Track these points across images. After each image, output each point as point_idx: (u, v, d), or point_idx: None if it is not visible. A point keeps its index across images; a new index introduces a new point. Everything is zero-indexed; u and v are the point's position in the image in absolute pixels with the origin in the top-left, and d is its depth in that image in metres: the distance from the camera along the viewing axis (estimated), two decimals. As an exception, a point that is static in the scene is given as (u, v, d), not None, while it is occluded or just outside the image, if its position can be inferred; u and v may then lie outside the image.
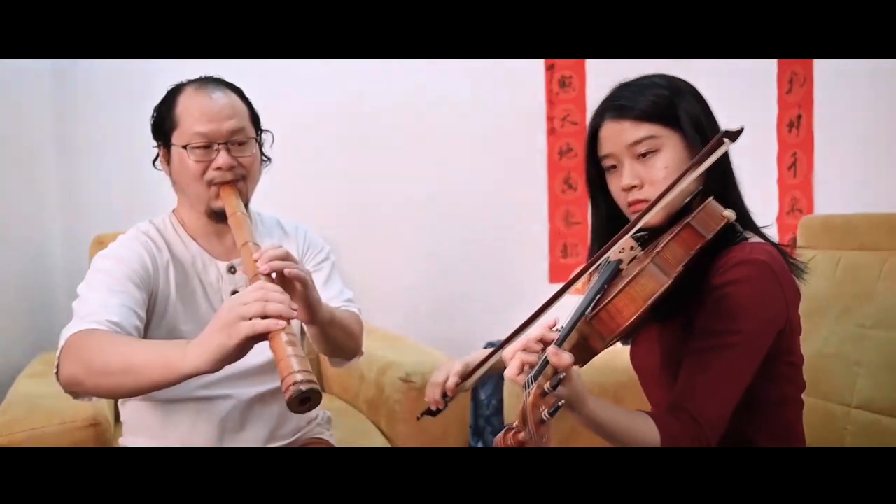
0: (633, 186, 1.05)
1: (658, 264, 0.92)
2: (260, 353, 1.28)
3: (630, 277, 0.90)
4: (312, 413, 1.43)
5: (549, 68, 2.79)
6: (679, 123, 1.03)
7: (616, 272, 1.00)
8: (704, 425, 0.97)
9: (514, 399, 1.79)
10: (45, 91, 2.30)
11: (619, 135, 1.05)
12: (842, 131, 2.26)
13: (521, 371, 0.88)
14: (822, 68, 2.30)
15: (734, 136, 0.93)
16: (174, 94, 1.27)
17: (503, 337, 2.66)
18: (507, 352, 0.92)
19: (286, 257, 1.07)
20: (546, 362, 0.85)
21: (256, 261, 1.05)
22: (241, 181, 1.25)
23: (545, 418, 0.79)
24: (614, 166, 1.08)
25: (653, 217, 1.02)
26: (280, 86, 2.49)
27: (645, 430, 0.96)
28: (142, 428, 1.30)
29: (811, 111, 2.35)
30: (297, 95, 2.55)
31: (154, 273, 1.24)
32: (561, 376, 0.82)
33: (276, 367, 0.88)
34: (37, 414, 1.44)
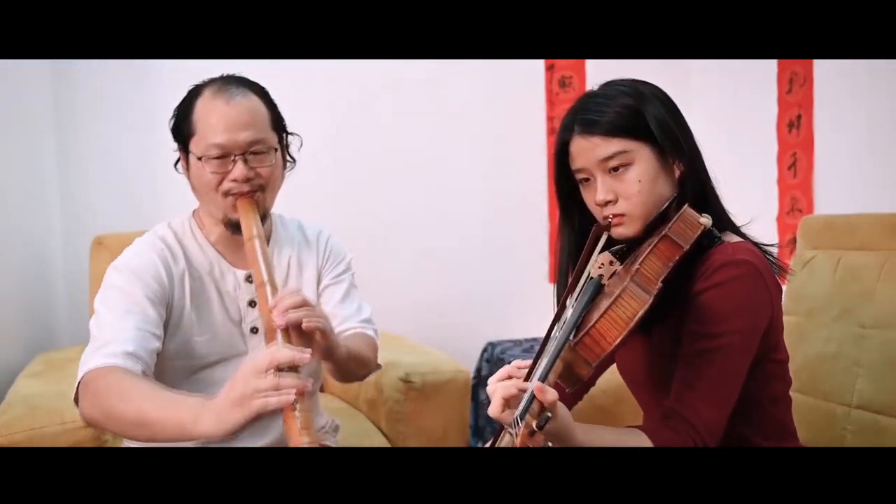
0: (609, 202, 1.04)
1: (638, 282, 0.92)
2: None
3: (612, 299, 0.90)
4: (321, 422, 1.43)
5: (549, 68, 2.79)
6: (649, 133, 1.03)
7: (598, 290, 0.99)
8: (702, 430, 0.97)
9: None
10: (45, 91, 2.30)
11: (589, 151, 1.04)
12: (842, 131, 2.26)
13: (505, 408, 0.87)
14: (822, 68, 2.30)
15: (603, 229, 1.03)
16: (193, 96, 1.21)
17: (503, 337, 2.66)
18: (488, 389, 0.90)
19: (303, 304, 1.04)
20: (532, 398, 0.83)
21: (272, 308, 1.03)
22: (258, 192, 1.20)
23: None
24: (587, 179, 1.07)
25: (629, 228, 1.04)
26: (278, 86, 2.48)
27: (637, 446, 0.96)
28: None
29: (811, 111, 2.35)
30: (296, 95, 2.54)
31: (169, 285, 1.22)
32: (549, 415, 0.80)
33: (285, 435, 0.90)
34: (36, 414, 1.44)
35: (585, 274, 1.00)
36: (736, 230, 1.08)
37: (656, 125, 1.03)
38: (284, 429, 0.90)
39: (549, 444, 0.79)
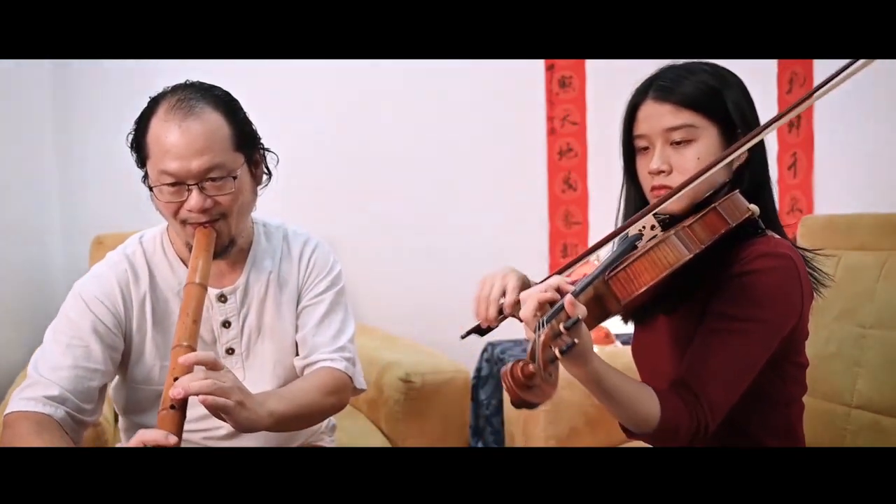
0: (661, 171, 1.03)
1: (681, 237, 0.92)
2: (253, 386, 1.15)
3: (653, 244, 0.91)
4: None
5: (549, 68, 2.79)
6: (721, 116, 1.02)
7: (634, 245, 1.00)
8: (706, 406, 0.96)
9: (514, 399, 1.79)
10: (45, 91, 2.30)
11: (657, 117, 1.03)
12: (842, 131, 2.26)
13: (536, 313, 0.87)
14: (822, 68, 2.30)
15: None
16: (149, 112, 1.12)
17: (503, 337, 2.65)
18: (523, 294, 0.90)
19: (206, 380, 0.97)
20: (560, 308, 0.83)
21: (175, 378, 0.98)
22: (219, 220, 1.12)
23: (557, 356, 0.78)
24: (646, 148, 1.06)
25: (676, 203, 1.02)
26: (279, 86, 2.49)
27: (646, 400, 0.95)
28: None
29: (811, 111, 2.35)
30: (295, 95, 2.55)
31: (126, 313, 1.18)
32: (579, 317, 0.81)
33: None
34: (37, 414, 1.44)
35: (625, 232, 1.02)
36: (782, 233, 1.07)
37: (735, 109, 1.02)
38: None
39: (573, 342, 0.79)
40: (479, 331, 1.14)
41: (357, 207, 2.66)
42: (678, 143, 1.02)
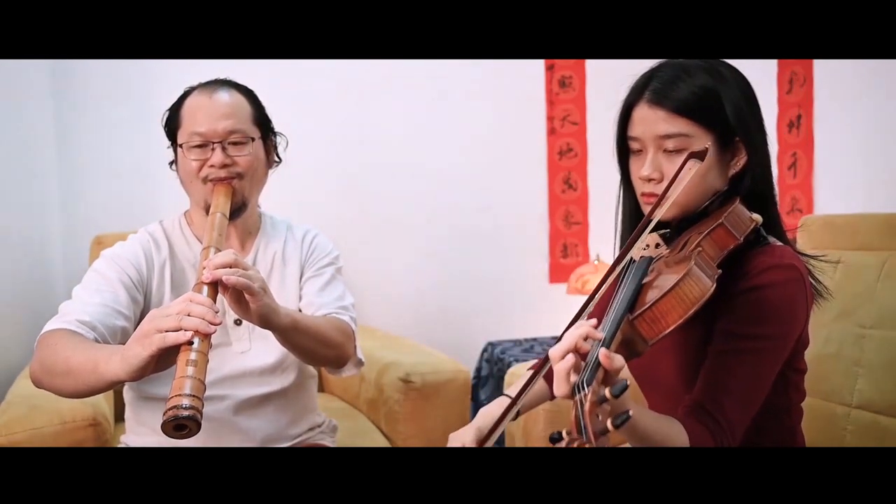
0: (652, 179, 1.00)
1: (700, 266, 0.88)
2: (258, 357, 1.28)
3: (677, 280, 0.86)
4: (318, 419, 1.43)
5: (549, 68, 2.79)
6: (718, 122, 0.98)
7: (646, 270, 0.96)
8: (727, 429, 0.94)
9: (514, 399, 1.78)
10: (45, 91, 2.30)
11: (651, 123, 0.99)
12: (842, 131, 2.26)
13: (569, 378, 0.80)
14: (822, 68, 2.30)
15: (701, 155, 0.95)
16: (184, 96, 1.31)
17: (503, 337, 2.64)
18: (553, 351, 0.83)
19: (232, 264, 1.04)
20: (597, 364, 0.77)
21: (205, 265, 1.05)
22: (236, 179, 1.27)
23: (609, 429, 0.69)
24: (640, 151, 1.02)
25: (665, 212, 0.98)
26: (278, 86, 2.49)
27: (676, 434, 0.93)
28: (140, 424, 1.31)
29: (811, 111, 2.35)
30: (295, 96, 2.55)
31: (148, 272, 1.28)
32: (626, 382, 0.74)
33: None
34: (37, 414, 1.44)
35: (629, 255, 0.96)
36: (784, 239, 1.05)
37: (734, 114, 0.98)
38: (176, 366, 0.91)
39: (628, 414, 0.70)
40: None
41: (357, 208, 2.66)
42: (671, 151, 0.99)
